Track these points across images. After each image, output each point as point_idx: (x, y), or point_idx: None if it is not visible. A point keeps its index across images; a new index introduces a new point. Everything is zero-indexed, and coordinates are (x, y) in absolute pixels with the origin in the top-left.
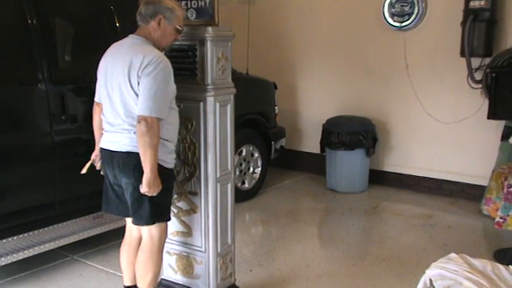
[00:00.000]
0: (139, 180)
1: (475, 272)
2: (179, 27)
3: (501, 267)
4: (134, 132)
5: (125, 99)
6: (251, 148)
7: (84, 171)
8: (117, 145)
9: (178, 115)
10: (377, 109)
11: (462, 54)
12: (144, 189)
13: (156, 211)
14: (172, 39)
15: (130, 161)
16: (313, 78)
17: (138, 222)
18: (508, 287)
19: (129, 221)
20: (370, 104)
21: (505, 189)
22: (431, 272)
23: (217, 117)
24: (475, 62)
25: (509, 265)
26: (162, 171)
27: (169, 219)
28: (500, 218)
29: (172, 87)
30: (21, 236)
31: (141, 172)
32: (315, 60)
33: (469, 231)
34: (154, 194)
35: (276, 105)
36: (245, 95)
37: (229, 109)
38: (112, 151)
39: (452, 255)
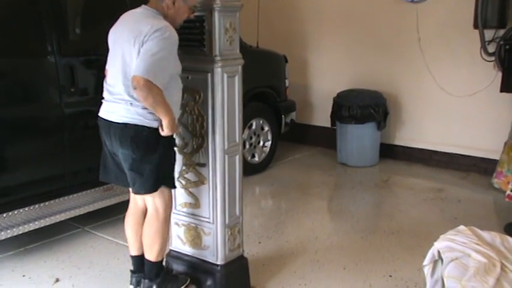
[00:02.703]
0: (136, 151)
1: (483, 244)
2: (194, 6)
3: (510, 239)
4: (131, 104)
5: (126, 67)
6: (261, 121)
7: None
8: (115, 116)
9: (181, 92)
10: (388, 82)
11: (475, 26)
12: (165, 132)
13: (156, 178)
14: (185, 16)
15: (127, 133)
16: (324, 51)
17: (138, 191)
18: None
19: None
20: (382, 77)
21: None
22: (439, 244)
23: (225, 89)
24: (489, 34)
25: None
26: (157, 137)
27: (173, 186)
28: (511, 191)
29: (176, 61)
30: (32, 207)
31: (139, 144)
32: (326, 33)
33: (480, 205)
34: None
35: (286, 79)
36: (255, 68)
37: (237, 80)
38: (109, 121)
39: (461, 227)
